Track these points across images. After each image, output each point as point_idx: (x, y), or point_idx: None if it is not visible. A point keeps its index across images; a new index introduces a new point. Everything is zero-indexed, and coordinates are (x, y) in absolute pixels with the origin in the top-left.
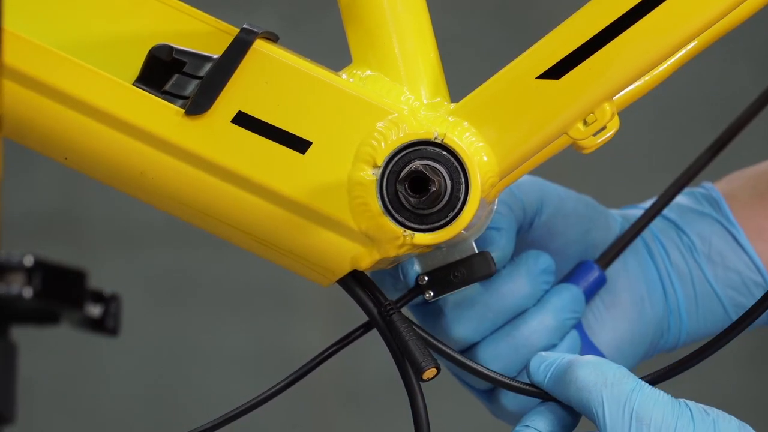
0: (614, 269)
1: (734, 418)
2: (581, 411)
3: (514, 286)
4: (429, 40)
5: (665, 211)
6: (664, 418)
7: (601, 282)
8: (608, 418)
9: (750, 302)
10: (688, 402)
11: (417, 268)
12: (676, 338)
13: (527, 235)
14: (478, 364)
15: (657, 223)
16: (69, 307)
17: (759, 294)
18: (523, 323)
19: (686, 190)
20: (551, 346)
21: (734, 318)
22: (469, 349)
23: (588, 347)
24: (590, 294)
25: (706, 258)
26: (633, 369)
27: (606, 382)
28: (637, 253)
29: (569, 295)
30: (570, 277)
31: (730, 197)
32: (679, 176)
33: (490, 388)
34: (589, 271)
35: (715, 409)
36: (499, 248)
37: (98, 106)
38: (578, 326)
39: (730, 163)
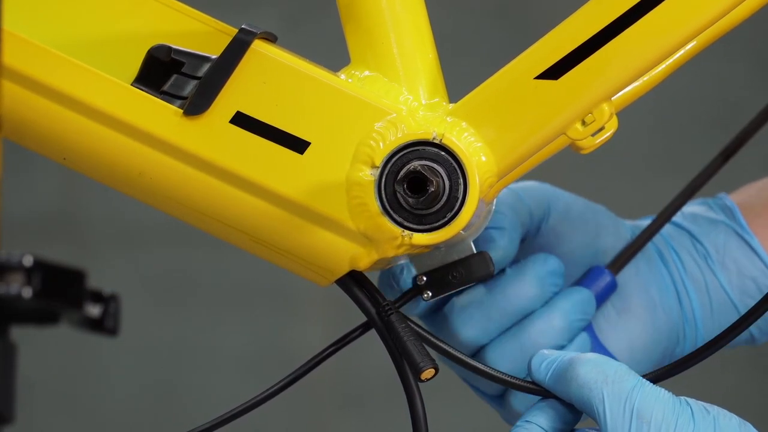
0: (626, 275)
1: (735, 416)
2: (582, 408)
3: (521, 287)
4: (427, 40)
5: (679, 220)
6: (664, 415)
7: (612, 287)
8: (609, 416)
9: None
10: (689, 400)
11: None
12: (692, 347)
13: (535, 240)
14: (479, 362)
15: (670, 231)
16: (68, 307)
17: None
18: (531, 324)
19: (700, 199)
20: (560, 348)
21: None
22: (477, 352)
23: (600, 351)
24: (601, 299)
25: (721, 265)
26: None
27: (607, 380)
28: (649, 259)
29: (579, 297)
30: (580, 282)
31: (744, 206)
32: (690, 181)
33: (500, 392)
34: (599, 276)
35: (716, 407)
36: (501, 248)
37: (97, 107)
38: (590, 331)
39: (741, 177)
